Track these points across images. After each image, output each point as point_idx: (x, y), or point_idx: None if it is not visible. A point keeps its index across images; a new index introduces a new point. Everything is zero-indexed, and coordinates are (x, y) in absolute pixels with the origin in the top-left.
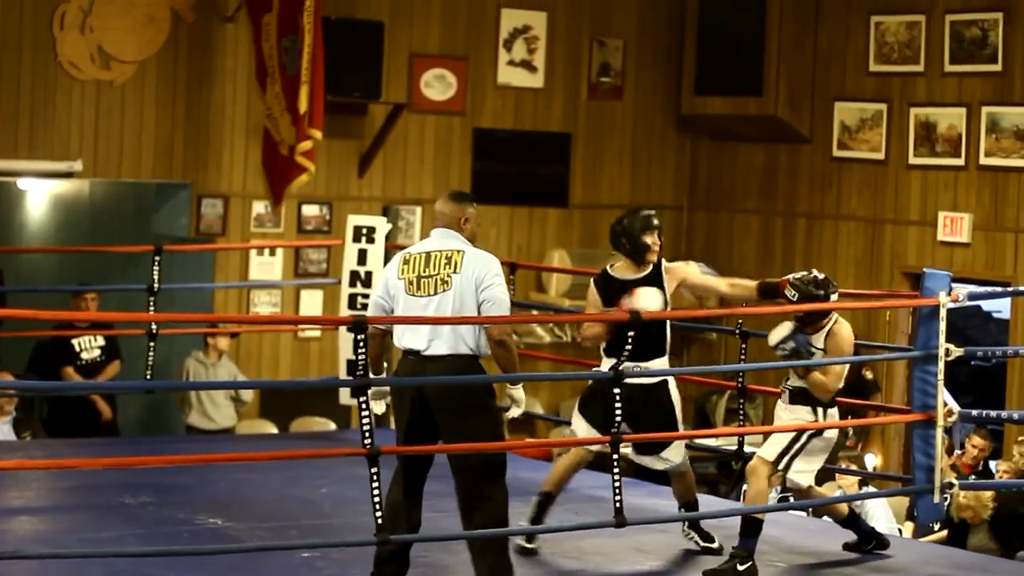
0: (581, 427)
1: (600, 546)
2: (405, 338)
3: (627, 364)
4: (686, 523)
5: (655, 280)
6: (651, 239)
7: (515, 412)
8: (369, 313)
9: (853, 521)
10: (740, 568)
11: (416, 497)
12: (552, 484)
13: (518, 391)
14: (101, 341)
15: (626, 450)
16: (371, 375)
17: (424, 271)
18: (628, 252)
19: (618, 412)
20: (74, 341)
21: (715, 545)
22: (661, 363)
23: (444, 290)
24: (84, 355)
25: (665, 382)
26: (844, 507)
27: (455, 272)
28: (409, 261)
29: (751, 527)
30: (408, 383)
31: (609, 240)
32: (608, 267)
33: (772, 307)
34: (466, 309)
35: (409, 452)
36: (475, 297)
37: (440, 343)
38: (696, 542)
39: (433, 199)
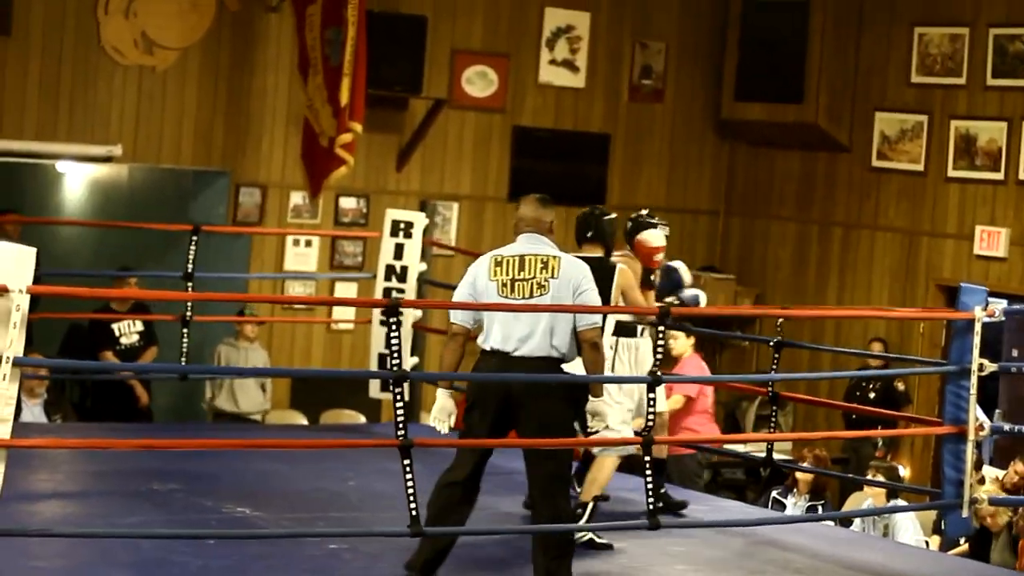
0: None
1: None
2: (492, 337)
3: None
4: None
5: None
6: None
7: (598, 425)
8: (455, 311)
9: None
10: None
11: (474, 495)
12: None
13: (601, 404)
14: (140, 326)
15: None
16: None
17: (518, 274)
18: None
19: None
20: (114, 326)
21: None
22: None
23: (541, 294)
24: (123, 340)
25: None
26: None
27: (552, 277)
28: (501, 263)
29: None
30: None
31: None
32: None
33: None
34: (561, 314)
35: (432, 445)
36: (571, 302)
37: (531, 345)
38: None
39: (470, 195)
